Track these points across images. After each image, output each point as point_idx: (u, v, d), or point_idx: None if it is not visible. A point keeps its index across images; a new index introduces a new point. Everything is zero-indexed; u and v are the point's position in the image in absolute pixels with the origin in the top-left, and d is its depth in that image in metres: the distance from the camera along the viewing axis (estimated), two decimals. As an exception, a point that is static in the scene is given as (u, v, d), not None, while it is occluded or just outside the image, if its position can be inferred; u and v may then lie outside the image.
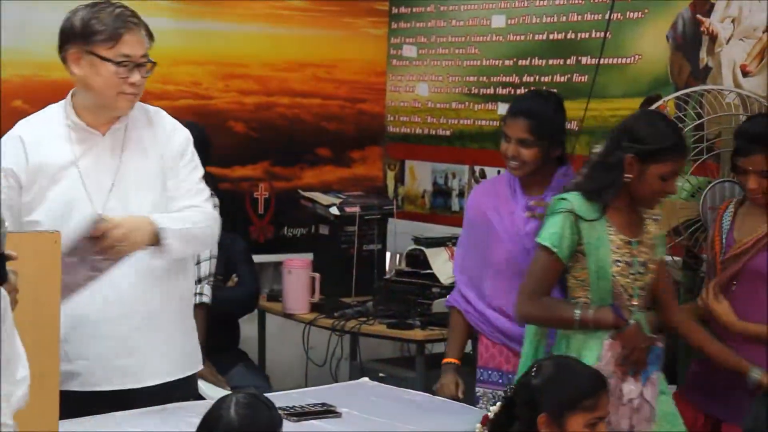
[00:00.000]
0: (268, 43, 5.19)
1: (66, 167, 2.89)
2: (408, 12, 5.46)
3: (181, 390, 3.01)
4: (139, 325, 2.92)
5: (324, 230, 4.88)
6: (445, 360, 3.45)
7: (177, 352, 3.01)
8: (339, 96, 5.42)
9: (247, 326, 4.76)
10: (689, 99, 3.83)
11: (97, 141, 2.92)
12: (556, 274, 2.95)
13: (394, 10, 5.52)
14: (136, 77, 2.87)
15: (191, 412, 2.76)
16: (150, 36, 2.94)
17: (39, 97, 4.61)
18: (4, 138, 2.94)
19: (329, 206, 4.85)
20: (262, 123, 5.19)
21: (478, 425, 2.47)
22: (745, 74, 4.09)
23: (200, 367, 3.13)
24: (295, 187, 5.19)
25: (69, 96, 2.98)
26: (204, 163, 3.89)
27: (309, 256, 4.81)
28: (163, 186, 2.96)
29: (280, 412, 2.86)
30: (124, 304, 2.89)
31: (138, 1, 4.76)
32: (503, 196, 3.31)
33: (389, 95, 5.56)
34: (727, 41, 4.16)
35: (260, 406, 2.11)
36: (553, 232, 2.91)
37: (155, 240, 2.83)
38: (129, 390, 2.92)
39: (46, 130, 2.94)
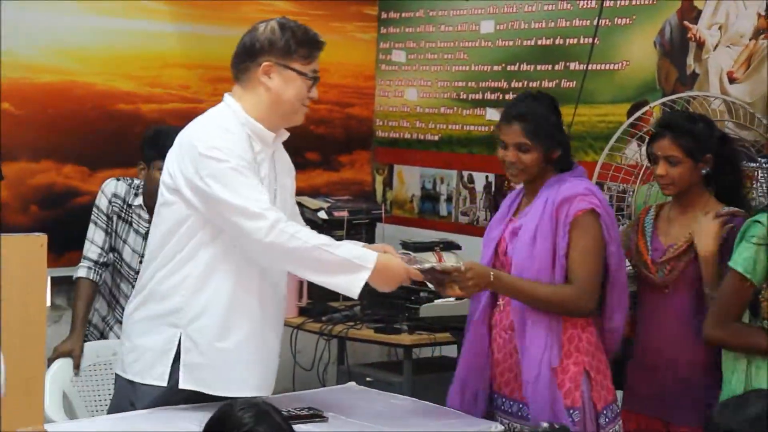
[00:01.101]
0: (257, 47, 5.19)
1: (256, 171, 2.99)
2: (397, 17, 5.47)
3: None
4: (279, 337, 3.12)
5: (312, 234, 4.88)
6: None
7: None
8: (328, 100, 5.42)
9: (235, 330, 4.75)
10: (675, 105, 3.84)
11: (268, 151, 3.03)
12: (748, 298, 2.89)
13: (384, 15, 5.54)
14: (315, 92, 3.06)
15: (189, 415, 2.79)
16: None
17: (27, 100, 4.62)
18: (224, 132, 2.97)
19: (317, 210, 4.85)
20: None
21: None
22: (732, 81, 4.12)
23: None
24: (284, 191, 5.19)
25: (234, 103, 3.02)
26: None
27: (297, 260, 4.80)
28: (293, 202, 3.20)
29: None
30: (279, 312, 3.11)
31: (128, 1, 4.81)
32: (504, 208, 3.26)
33: (378, 100, 5.57)
34: (714, 48, 4.18)
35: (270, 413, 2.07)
36: (746, 257, 2.83)
37: None
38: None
39: (240, 134, 2.99)
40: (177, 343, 2.94)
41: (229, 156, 2.89)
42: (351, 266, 2.91)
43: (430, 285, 3.12)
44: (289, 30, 3.00)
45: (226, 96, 3.05)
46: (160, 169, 3.30)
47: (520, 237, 3.09)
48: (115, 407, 3.07)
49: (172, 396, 2.94)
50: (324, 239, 2.94)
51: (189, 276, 2.95)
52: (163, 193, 3.02)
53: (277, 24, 3.01)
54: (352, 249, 2.95)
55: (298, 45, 2.99)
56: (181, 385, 2.93)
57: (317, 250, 2.89)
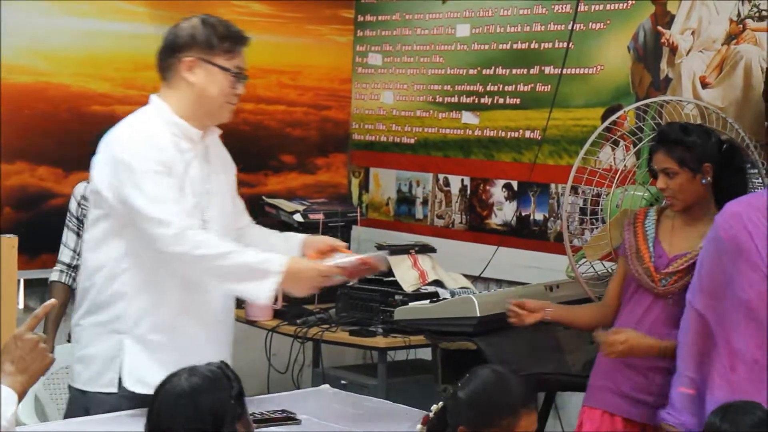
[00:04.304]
0: (232, 50, 5.18)
1: (181, 173, 2.94)
2: (373, 20, 5.48)
3: None
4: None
5: (287, 237, 4.87)
6: None
7: None
8: (304, 103, 5.43)
9: (210, 332, 4.74)
10: (648, 109, 3.87)
11: (198, 147, 3.00)
12: None
13: (360, 18, 5.54)
14: (241, 88, 3.01)
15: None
16: None
17: (1, 101, 4.59)
18: (142, 135, 2.95)
19: (293, 213, 4.85)
20: (226, 129, 5.11)
21: (419, 425, 2.48)
22: (705, 86, 4.15)
23: None
24: (259, 194, 5.18)
25: (160, 103, 3.00)
26: None
27: (272, 263, 4.80)
28: (233, 200, 3.15)
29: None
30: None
31: (103, 2, 4.79)
32: None
33: (354, 103, 5.58)
34: (687, 53, 4.21)
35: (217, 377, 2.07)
36: None
37: None
38: None
39: (162, 135, 2.95)
40: (122, 348, 2.93)
41: (143, 161, 2.86)
42: (257, 272, 2.85)
43: (350, 280, 3.11)
44: (210, 25, 2.97)
45: (152, 96, 3.02)
46: None
47: None
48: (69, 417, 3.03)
49: (125, 402, 2.92)
50: (229, 247, 2.88)
51: (128, 283, 2.93)
52: (92, 200, 3.00)
53: (200, 20, 2.98)
54: (257, 254, 2.89)
55: (220, 39, 2.96)
56: (129, 389, 2.92)
57: (221, 258, 2.83)
